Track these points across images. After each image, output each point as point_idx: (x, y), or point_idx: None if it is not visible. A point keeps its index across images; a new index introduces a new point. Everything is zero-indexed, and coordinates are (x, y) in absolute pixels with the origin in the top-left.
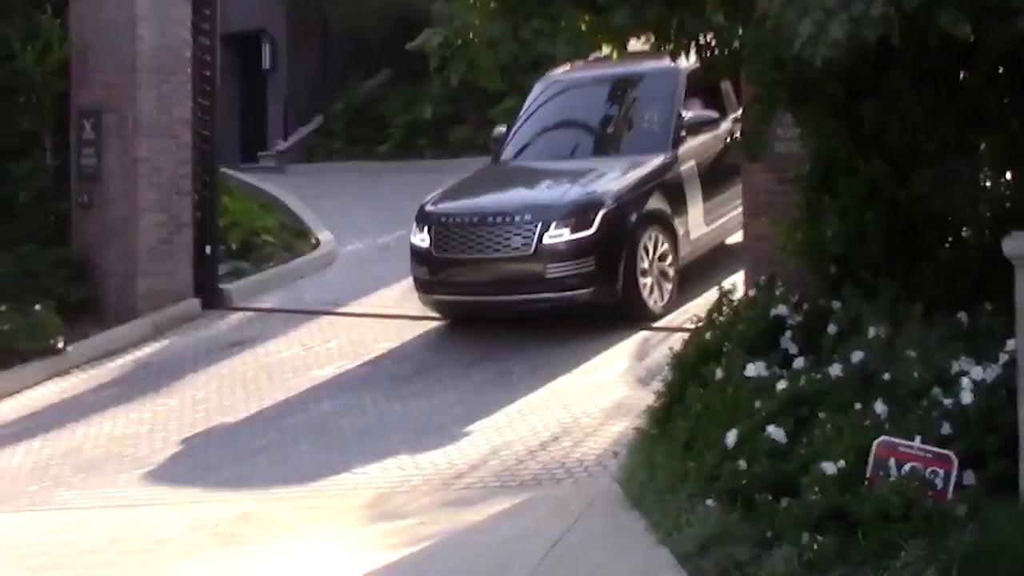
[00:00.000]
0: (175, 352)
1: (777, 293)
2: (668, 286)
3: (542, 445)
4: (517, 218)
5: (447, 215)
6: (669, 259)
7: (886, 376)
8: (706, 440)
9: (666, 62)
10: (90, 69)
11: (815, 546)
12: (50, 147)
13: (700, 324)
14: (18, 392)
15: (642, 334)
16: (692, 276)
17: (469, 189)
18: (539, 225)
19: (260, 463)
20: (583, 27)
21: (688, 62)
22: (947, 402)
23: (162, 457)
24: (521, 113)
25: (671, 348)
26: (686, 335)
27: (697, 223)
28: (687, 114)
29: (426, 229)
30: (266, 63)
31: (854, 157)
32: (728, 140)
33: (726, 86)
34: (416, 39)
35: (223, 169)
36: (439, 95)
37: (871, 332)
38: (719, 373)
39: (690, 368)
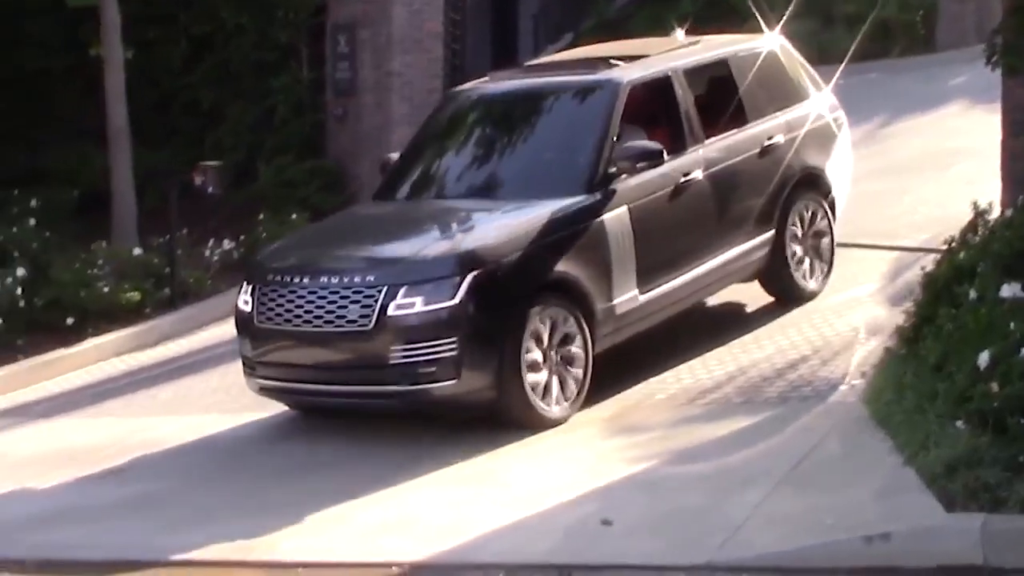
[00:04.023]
0: None
1: None
2: (572, 382)
3: (790, 364)
4: (356, 279)
5: (274, 271)
6: (576, 342)
7: None
8: (957, 361)
9: (602, 74)
10: None
11: None
12: (306, 61)
13: (954, 244)
14: None
15: (894, 255)
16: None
17: (317, 236)
18: (383, 290)
19: None
20: None
21: (631, 75)
22: None
23: None
24: (416, 137)
25: (923, 268)
26: (939, 255)
27: (627, 293)
28: (622, 144)
29: (251, 288)
30: None
31: None
32: (683, 179)
33: (687, 107)
34: None
35: None
36: (687, 12)
37: None
38: (972, 293)
39: (942, 288)
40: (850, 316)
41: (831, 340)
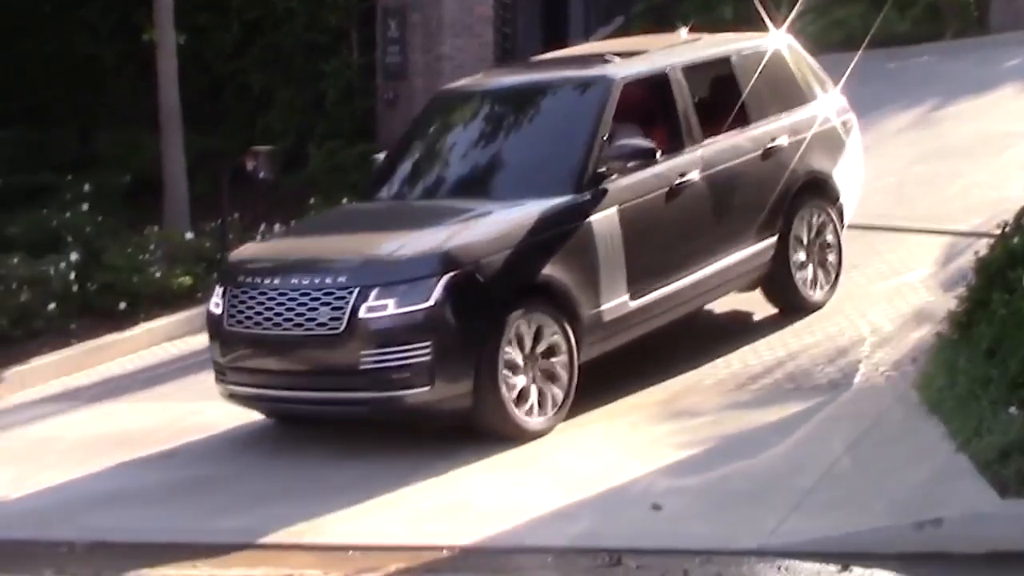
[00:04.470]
0: None
1: None
2: (556, 391)
3: (840, 350)
4: (328, 280)
5: (245, 272)
6: (560, 350)
7: None
8: (1011, 346)
9: (596, 70)
10: None
11: None
12: (356, 45)
13: (1008, 228)
14: None
15: (946, 239)
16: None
17: (293, 237)
18: (355, 292)
19: None
20: None
21: (625, 72)
22: None
23: None
24: (405, 135)
25: (976, 253)
26: (992, 240)
27: (616, 298)
28: (614, 143)
29: (222, 290)
30: None
31: None
32: (679, 180)
33: (685, 105)
34: None
35: None
36: None
37: None
38: None
39: (996, 273)
40: (900, 302)
41: (881, 326)
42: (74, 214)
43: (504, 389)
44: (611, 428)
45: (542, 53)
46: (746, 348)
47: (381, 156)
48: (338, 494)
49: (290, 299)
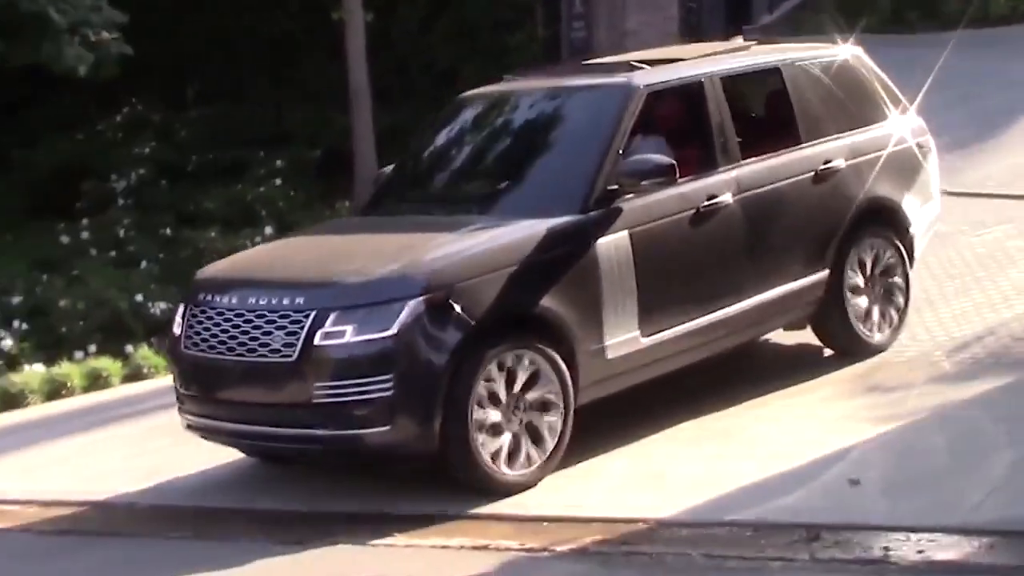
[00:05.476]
0: None
1: None
2: (544, 438)
3: None
4: (285, 301)
5: (206, 289)
6: (550, 392)
7: None
8: None
9: (617, 77)
10: None
11: None
12: (541, 20)
13: None
14: None
15: None
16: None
17: (267, 252)
18: (311, 315)
19: None
20: None
21: (649, 80)
22: None
23: None
24: (415, 146)
25: None
26: None
27: (624, 334)
28: (628, 158)
29: (183, 309)
30: None
31: None
32: (707, 202)
33: (721, 119)
34: None
35: None
36: None
37: None
38: None
39: None
40: None
41: None
42: (267, 189)
43: (475, 434)
44: (805, 401)
45: (725, 27)
46: (936, 323)
47: (388, 169)
48: None
49: (245, 321)
